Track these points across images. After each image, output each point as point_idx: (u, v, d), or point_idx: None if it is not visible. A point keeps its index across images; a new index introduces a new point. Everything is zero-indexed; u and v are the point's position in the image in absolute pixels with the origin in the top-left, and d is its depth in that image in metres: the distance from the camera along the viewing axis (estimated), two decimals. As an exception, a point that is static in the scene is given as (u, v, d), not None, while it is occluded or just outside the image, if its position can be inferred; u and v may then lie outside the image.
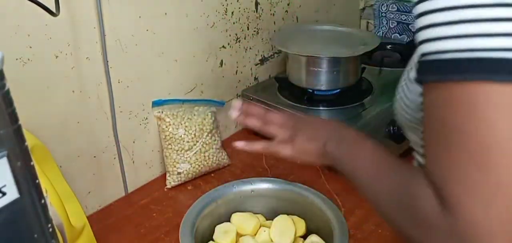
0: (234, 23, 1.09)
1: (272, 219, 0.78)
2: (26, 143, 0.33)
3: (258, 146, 0.70)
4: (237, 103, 0.72)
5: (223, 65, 1.10)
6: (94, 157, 0.89)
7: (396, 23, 1.52)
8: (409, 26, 1.48)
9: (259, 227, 0.78)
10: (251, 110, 0.72)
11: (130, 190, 0.97)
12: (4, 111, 0.31)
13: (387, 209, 0.47)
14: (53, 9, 0.65)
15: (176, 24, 0.95)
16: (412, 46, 1.31)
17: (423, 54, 0.39)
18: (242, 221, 0.78)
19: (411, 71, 0.48)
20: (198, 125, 0.97)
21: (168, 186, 0.97)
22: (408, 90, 0.49)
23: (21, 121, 0.33)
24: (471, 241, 0.36)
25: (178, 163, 0.96)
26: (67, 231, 0.61)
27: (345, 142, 0.59)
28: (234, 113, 0.72)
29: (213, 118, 0.99)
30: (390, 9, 1.52)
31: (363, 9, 1.60)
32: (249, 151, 0.71)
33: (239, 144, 0.72)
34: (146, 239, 0.83)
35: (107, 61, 0.84)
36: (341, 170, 0.58)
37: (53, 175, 0.71)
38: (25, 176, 0.34)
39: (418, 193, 0.41)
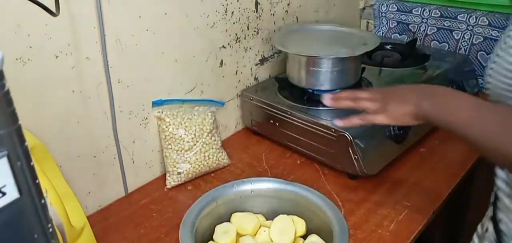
0: (234, 23, 1.09)
1: (272, 219, 0.78)
2: (26, 143, 0.33)
3: (355, 120, 0.75)
4: (327, 97, 0.78)
5: (223, 65, 1.10)
6: (94, 157, 0.89)
7: (396, 23, 1.52)
8: (409, 26, 1.48)
9: (259, 227, 0.78)
10: (341, 95, 0.78)
11: (130, 190, 0.97)
12: (4, 111, 0.31)
13: (498, 139, 0.55)
14: (53, 9, 0.65)
15: (176, 24, 0.95)
16: (412, 46, 1.33)
17: None
18: (242, 221, 0.78)
19: (507, 41, 0.59)
20: (198, 125, 0.97)
21: (168, 186, 0.97)
22: (501, 60, 0.60)
23: (21, 121, 0.33)
24: None
25: (178, 163, 0.96)
26: (67, 231, 0.61)
27: (438, 97, 0.64)
28: (328, 102, 0.78)
29: (213, 118, 0.99)
30: (390, 9, 1.52)
31: (363, 9, 1.60)
32: (349, 126, 0.77)
33: (339, 123, 0.78)
34: (146, 239, 0.83)
35: (107, 61, 0.84)
36: (437, 124, 0.64)
37: (53, 175, 0.71)
38: (25, 176, 0.33)
39: None
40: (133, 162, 0.96)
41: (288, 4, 1.23)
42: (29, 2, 0.61)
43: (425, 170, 0.99)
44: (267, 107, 1.08)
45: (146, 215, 0.89)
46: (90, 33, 0.81)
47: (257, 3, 1.13)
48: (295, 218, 0.78)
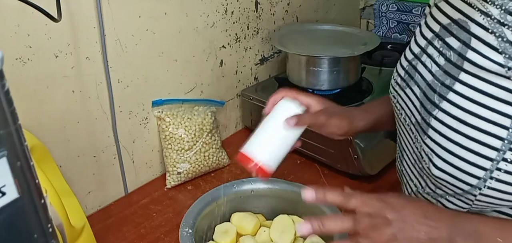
0: (234, 23, 1.09)
1: (272, 219, 0.78)
2: (26, 143, 0.33)
3: (316, 226, 0.53)
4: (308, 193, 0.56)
5: (223, 65, 1.10)
6: (94, 157, 0.89)
7: (396, 23, 1.52)
8: (409, 26, 1.48)
9: (259, 227, 0.78)
10: (328, 193, 0.55)
11: (130, 190, 0.97)
12: (4, 111, 0.31)
13: None
14: (55, 15, 0.64)
15: (176, 24, 0.95)
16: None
17: None
18: (242, 221, 0.78)
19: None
20: (198, 125, 0.97)
21: (168, 186, 0.97)
22: None
23: (21, 121, 0.33)
24: None
25: (178, 163, 0.96)
26: (67, 231, 0.61)
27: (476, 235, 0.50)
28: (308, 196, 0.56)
29: (213, 118, 0.99)
30: (390, 9, 1.52)
31: (363, 9, 1.60)
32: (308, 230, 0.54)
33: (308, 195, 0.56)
34: (146, 239, 0.83)
35: (107, 61, 0.84)
36: None
37: (53, 175, 0.71)
38: (25, 176, 0.33)
39: None
40: (133, 162, 0.96)
41: (288, 4, 1.23)
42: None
43: (425, 170, 0.99)
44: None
45: (146, 215, 0.89)
46: (90, 33, 0.81)
47: (257, 3, 1.13)
48: (295, 218, 0.78)
